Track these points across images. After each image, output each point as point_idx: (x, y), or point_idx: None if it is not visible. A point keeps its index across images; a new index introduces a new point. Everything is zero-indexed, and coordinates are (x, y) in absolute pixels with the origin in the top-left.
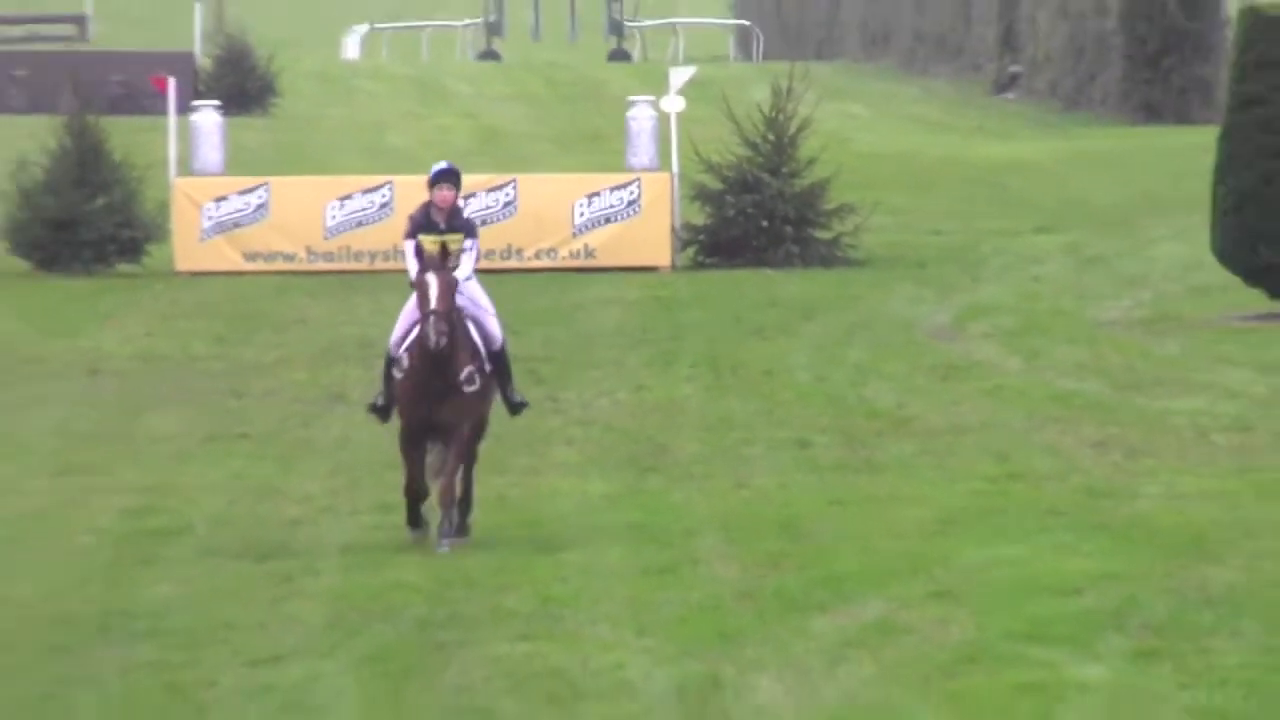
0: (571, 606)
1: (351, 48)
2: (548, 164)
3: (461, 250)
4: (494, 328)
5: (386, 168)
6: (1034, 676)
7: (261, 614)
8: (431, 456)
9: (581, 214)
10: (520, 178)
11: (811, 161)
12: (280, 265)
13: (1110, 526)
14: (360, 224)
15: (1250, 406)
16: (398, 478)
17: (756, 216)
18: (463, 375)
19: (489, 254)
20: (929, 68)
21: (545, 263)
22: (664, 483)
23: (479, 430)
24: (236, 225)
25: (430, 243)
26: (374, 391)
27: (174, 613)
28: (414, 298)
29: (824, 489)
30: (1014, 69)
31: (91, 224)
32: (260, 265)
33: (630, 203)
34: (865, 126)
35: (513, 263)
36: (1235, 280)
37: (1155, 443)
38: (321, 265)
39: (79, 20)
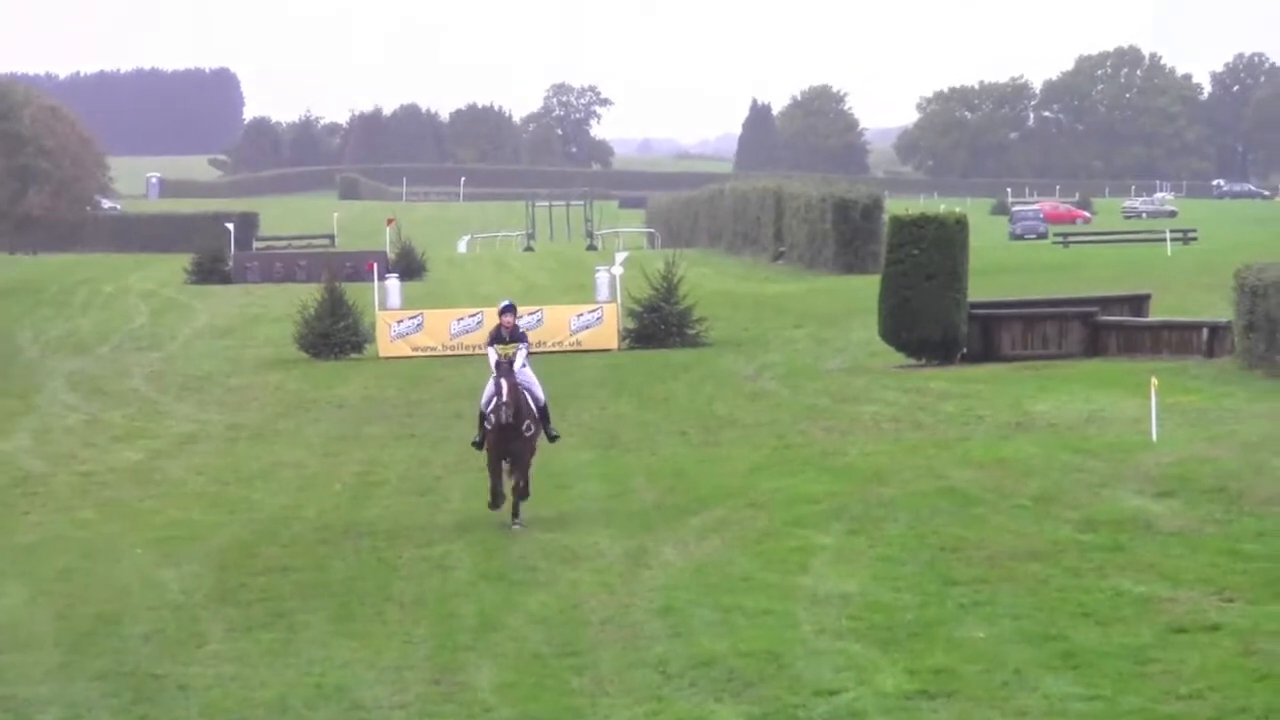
0: (574, 515)
1: (461, 245)
2: (557, 300)
3: (517, 352)
4: (540, 393)
5: (480, 304)
6: (798, 543)
7: (423, 519)
8: (504, 472)
9: (573, 324)
10: (545, 307)
11: (685, 295)
12: (429, 353)
13: (833, 469)
14: (467, 331)
15: (898, 409)
16: (484, 461)
17: (659, 323)
18: (525, 427)
19: (536, 344)
20: (740, 249)
21: (555, 349)
22: (618, 454)
23: (533, 455)
24: (408, 333)
25: (499, 349)
26: (474, 430)
27: (380, 523)
28: (493, 381)
29: (694, 455)
30: (782, 249)
31: (337, 334)
32: (420, 353)
33: (598, 317)
34: (710, 278)
35: (540, 349)
36: (890, 349)
37: (854, 427)
38: (449, 353)
39: (330, 236)
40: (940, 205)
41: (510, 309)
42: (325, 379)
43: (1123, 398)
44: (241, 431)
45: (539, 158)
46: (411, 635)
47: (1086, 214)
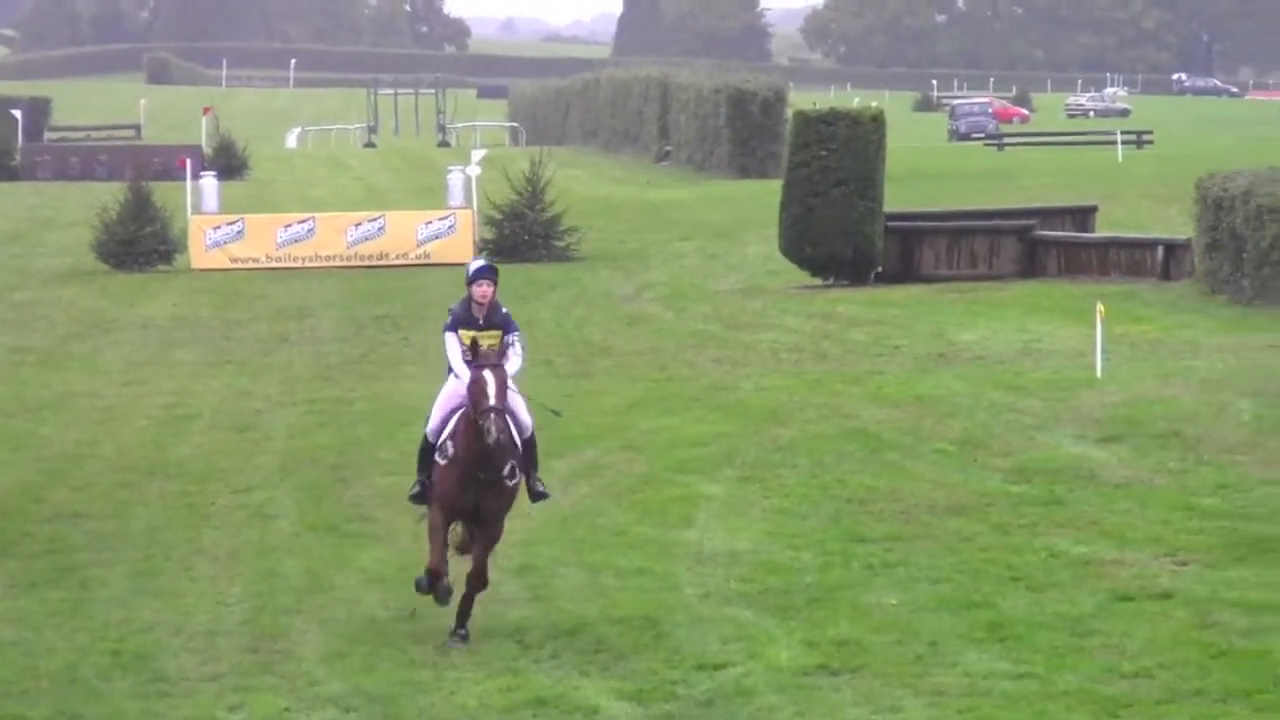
0: (415, 456)
1: (291, 140)
2: (403, 205)
3: (507, 346)
4: (526, 417)
5: (311, 209)
6: (681, 492)
7: (241, 462)
8: (454, 535)
9: (421, 233)
10: (388, 213)
11: (552, 202)
12: (251, 265)
13: (724, 406)
14: (295, 240)
15: (800, 338)
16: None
17: (521, 233)
18: (505, 470)
19: (378, 256)
20: (619, 148)
21: (401, 262)
22: None
23: (506, 515)
24: (226, 242)
25: (467, 338)
26: (407, 457)
27: (191, 463)
28: (451, 384)
29: (560, 388)
30: (667, 148)
31: (143, 242)
32: (240, 265)
33: (450, 226)
34: (582, 182)
35: (383, 262)
36: (792, 267)
37: (749, 358)
38: (274, 265)
39: (135, 126)
40: (853, 99)
41: (487, 273)
42: (128, 294)
43: (1063, 327)
44: (28, 355)
45: (384, 38)
46: (225, 595)
47: (1025, 112)
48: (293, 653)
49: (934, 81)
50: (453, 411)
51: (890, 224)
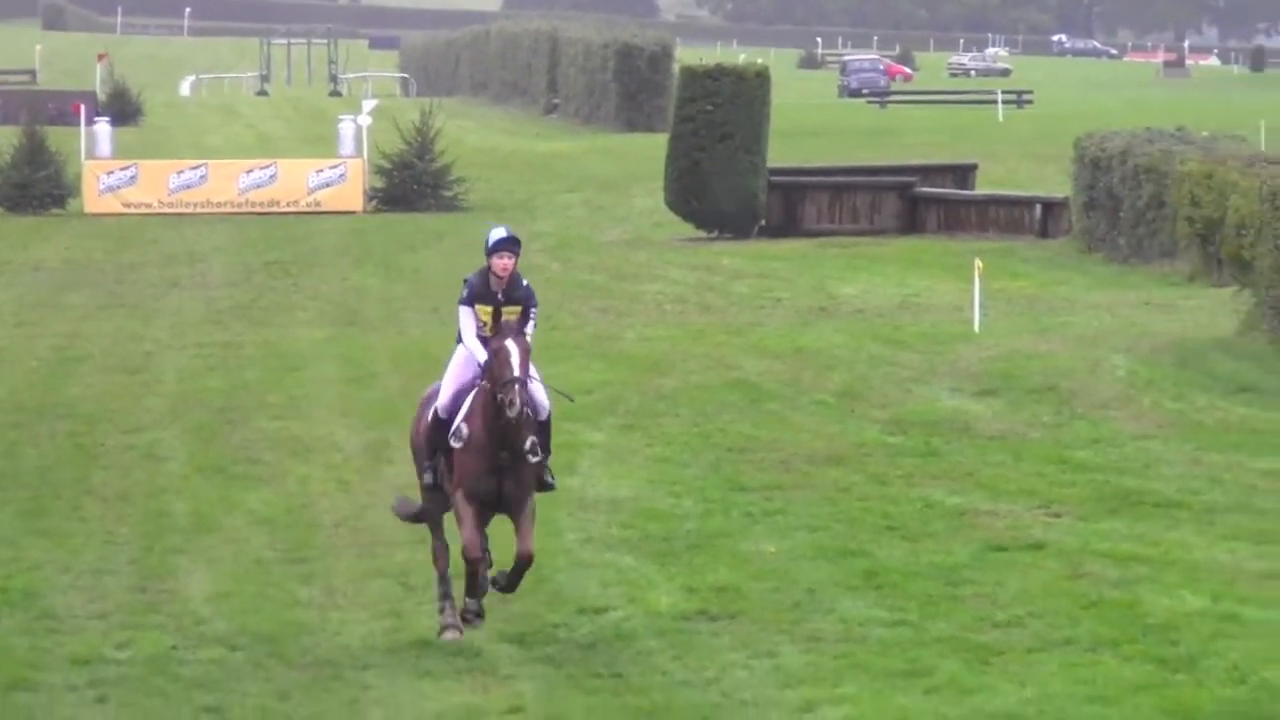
0: (306, 401)
1: (185, 88)
2: (294, 153)
3: (529, 320)
4: (543, 396)
5: (204, 156)
6: (564, 440)
7: (131, 404)
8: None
9: (312, 181)
10: (280, 161)
11: (442, 152)
12: (144, 210)
13: (607, 355)
14: (188, 186)
15: (684, 289)
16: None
17: (410, 183)
18: (527, 445)
19: (269, 203)
20: (508, 100)
21: (292, 209)
22: (359, 333)
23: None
24: (119, 187)
25: (485, 313)
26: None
27: (81, 404)
28: (460, 354)
29: (446, 335)
30: (555, 101)
31: (36, 186)
32: (132, 210)
33: (340, 175)
34: (472, 133)
35: (274, 209)
36: (677, 220)
37: (633, 308)
38: (166, 210)
39: (30, 71)
40: (740, 56)
41: (509, 245)
42: (21, 237)
43: (942, 282)
44: None
45: None
46: (113, 535)
47: (908, 70)
48: (180, 592)
49: (819, 39)
50: (465, 388)
51: (774, 179)
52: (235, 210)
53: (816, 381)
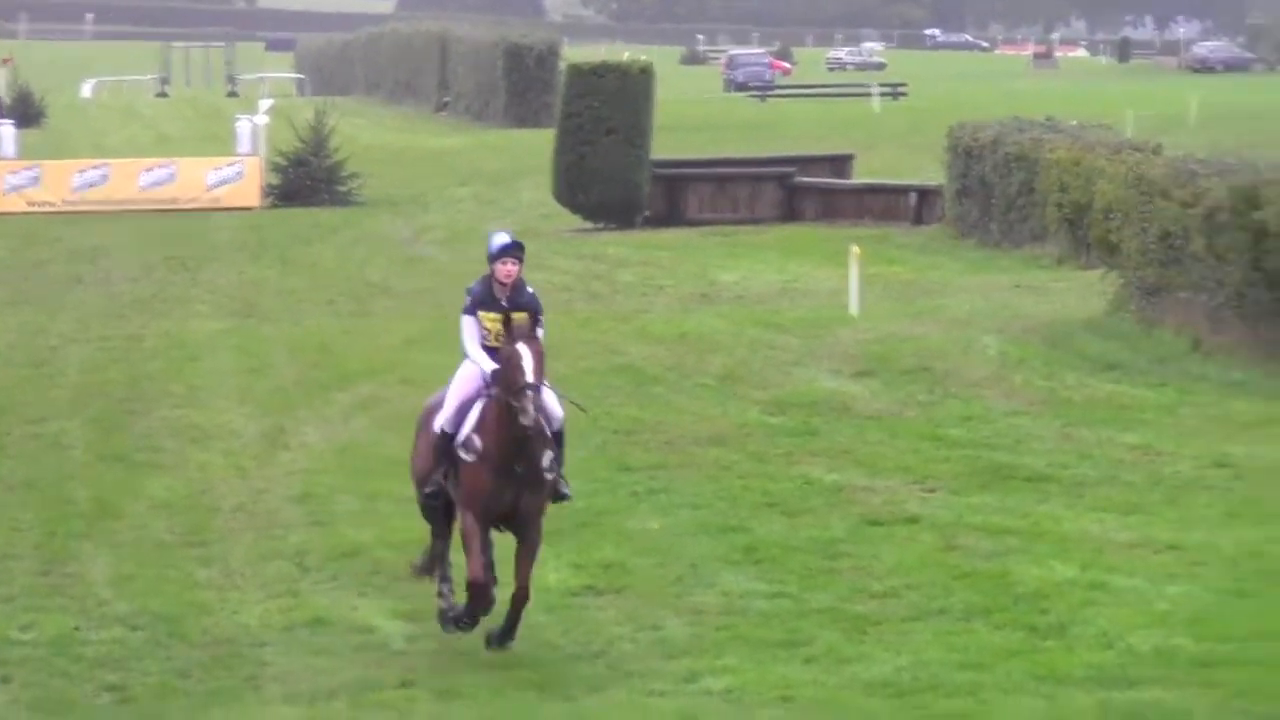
0: (205, 390)
1: (86, 90)
2: (193, 152)
3: (537, 326)
4: (555, 405)
5: (105, 156)
6: None
7: (36, 395)
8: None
9: (210, 179)
10: (179, 160)
11: (336, 149)
12: (47, 209)
13: None
14: (90, 185)
15: (571, 278)
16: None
17: (306, 179)
18: (545, 462)
19: (169, 201)
20: (401, 99)
21: (191, 206)
22: (256, 324)
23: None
24: (23, 187)
25: (490, 321)
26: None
27: None
28: (466, 369)
29: (341, 325)
30: (446, 99)
31: None
32: (37, 209)
33: (238, 173)
34: (365, 131)
35: (174, 206)
36: (565, 212)
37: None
38: (69, 209)
39: None
40: (624, 53)
41: (514, 250)
42: None
43: (820, 268)
44: None
45: None
46: (18, 521)
47: (787, 65)
48: (83, 575)
49: (700, 36)
50: (469, 400)
51: (657, 171)
52: (136, 208)
53: (699, 365)
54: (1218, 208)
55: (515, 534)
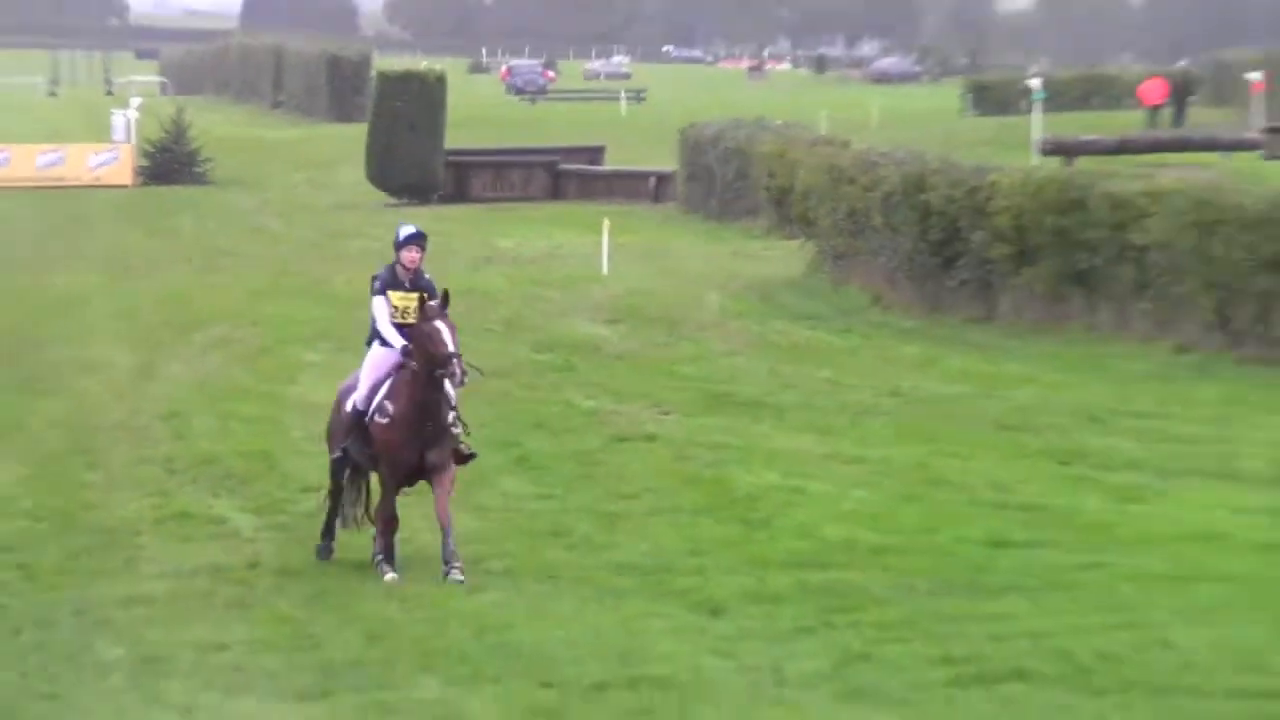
0: (88, 331)
1: None
2: (78, 140)
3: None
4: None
5: (7, 141)
6: (290, 359)
7: None
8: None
9: (92, 162)
10: (67, 146)
11: (193, 139)
12: None
13: (323, 296)
14: None
15: (381, 245)
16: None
17: (170, 163)
18: (449, 418)
19: (59, 180)
20: (245, 98)
21: (77, 184)
22: (128, 278)
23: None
24: None
25: (400, 299)
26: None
27: None
28: (378, 354)
29: (198, 280)
30: (280, 98)
31: None
32: None
33: (114, 157)
34: (217, 124)
35: (62, 184)
36: (376, 191)
37: (342, 259)
38: None
39: None
40: (423, 63)
41: (418, 239)
42: None
43: (579, 236)
44: None
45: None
46: None
47: (552, 74)
48: None
49: (483, 49)
50: (379, 383)
51: (450, 158)
52: (33, 185)
53: (485, 314)
54: (893, 191)
55: (430, 482)
